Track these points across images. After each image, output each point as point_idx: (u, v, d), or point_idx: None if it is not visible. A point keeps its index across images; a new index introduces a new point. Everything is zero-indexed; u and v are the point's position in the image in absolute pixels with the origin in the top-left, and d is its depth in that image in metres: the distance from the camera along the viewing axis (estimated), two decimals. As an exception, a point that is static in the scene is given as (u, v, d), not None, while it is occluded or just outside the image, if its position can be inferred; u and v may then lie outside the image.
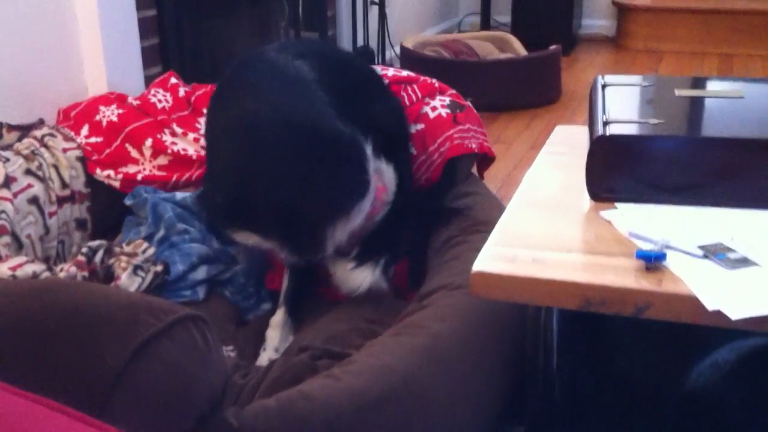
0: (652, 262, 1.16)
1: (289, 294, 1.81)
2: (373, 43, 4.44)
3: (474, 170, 2.26)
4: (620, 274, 1.15)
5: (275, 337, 1.77)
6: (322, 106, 1.67)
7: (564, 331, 1.40)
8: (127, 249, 1.80)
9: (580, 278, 1.14)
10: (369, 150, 1.68)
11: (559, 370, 1.40)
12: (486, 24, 5.74)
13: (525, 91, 4.29)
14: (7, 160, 1.92)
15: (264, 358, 1.75)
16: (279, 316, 1.78)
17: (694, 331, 1.25)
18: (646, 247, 1.21)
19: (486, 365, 1.44)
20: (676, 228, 1.27)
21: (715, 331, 1.13)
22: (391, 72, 2.35)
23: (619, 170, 1.39)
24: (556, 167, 1.58)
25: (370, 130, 1.72)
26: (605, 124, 1.42)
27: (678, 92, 1.65)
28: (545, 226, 1.31)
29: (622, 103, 1.61)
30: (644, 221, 1.30)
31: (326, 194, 1.61)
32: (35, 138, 2.05)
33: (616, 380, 1.62)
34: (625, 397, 1.59)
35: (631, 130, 1.42)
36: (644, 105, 1.66)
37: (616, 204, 1.37)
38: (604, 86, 1.68)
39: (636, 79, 1.79)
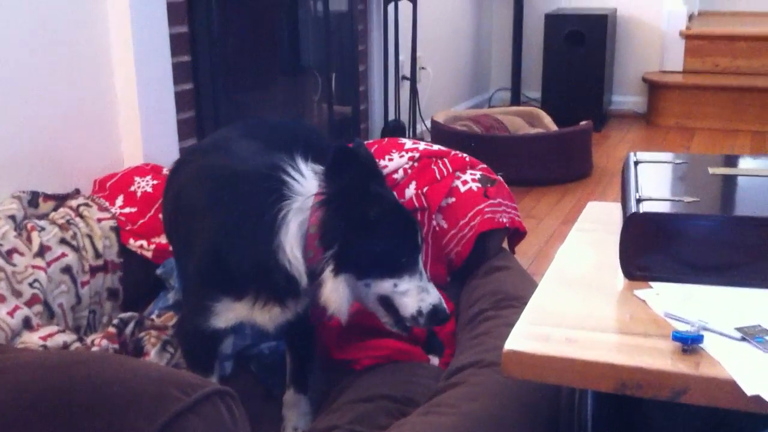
0: (689, 344, 1.14)
1: (293, 368, 1.78)
2: (404, 117, 4.49)
3: (505, 245, 2.25)
4: (656, 357, 1.12)
5: (291, 417, 1.75)
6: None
7: (597, 413, 1.37)
8: (158, 322, 1.80)
9: (616, 360, 1.12)
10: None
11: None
12: (516, 99, 5.78)
13: (556, 166, 4.29)
14: (43, 229, 1.95)
15: (284, 436, 1.73)
16: (289, 396, 1.76)
17: (731, 415, 1.21)
18: (682, 328, 1.18)
19: (518, 447, 1.41)
20: (713, 309, 1.24)
21: (753, 416, 1.10)
22: (422, 146, 2.37)
23: (653, 249, 1.37)
24: (588, 244, 1.56)
25: None
26: (638, 201, 1.42)
27: (711, 170, 1.64)
28: (579, 304, 1.29)
29: (655, 181, 1.60)
30: (680, 301, 1.27)
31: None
32: (71, 208, 2.08)
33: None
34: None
35: (664, 208, 1.41)
36: (677, 183, 1.65)
37: (651, 283, 1.35)
38: (636, 163, 1.68)
39: (669, 156, 1.79)
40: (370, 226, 1.50)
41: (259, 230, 1.52)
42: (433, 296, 1.57)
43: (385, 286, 1.55)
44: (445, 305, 1.58)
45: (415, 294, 1.55)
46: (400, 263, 1.55)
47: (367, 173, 1.53)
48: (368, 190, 1.51)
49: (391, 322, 1.61)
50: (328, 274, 1.49)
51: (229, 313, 1.60)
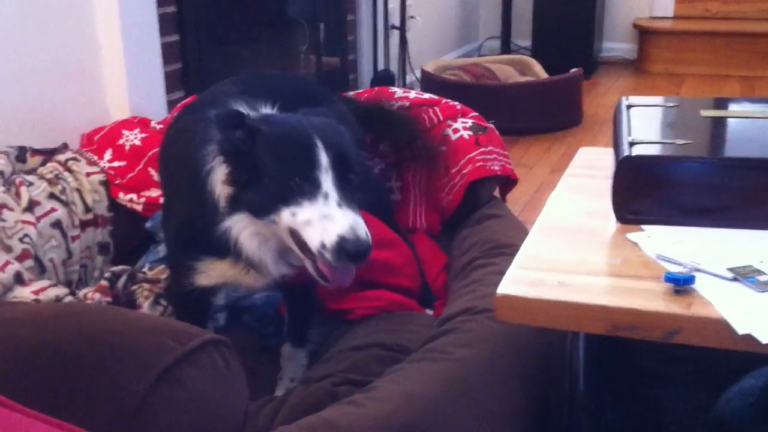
0: (681, 285, 1.14)
1: (291, 323, 1.77)
2: (394, 68, 4.45)
3: (496, 193, 2.24)
4: (648, 298, 1.13)
5: (289, 368, 1.75)
6: None
7: (589, 358, 1.38)
8: (150, 275, 1.80)
9: (607, 302, 1.12)
10: None
11: (585, 397, 1.38)
12: (506, 48, 5.74)
13: (546, 114, 4.27)
14: (31, 184, 1.93)
15: (281, 387, 1.73)
16: (286, 349, 1.76)
17: (723, 357, 1.22)
18: (674, 270, 1.19)
19: (510, 391, 1.42)
20: (705, 250, 1.25)
21: (743, 357, 1.11)
22: (412, 94, 2.35)
23: (645, 192, 1.37)
24: (579, 190, 1.56)
25: None
26: (631, 145, 1.41)
27: (703, 113, 1.63)
28: (570, 249, 1.29)
29: (647, 125, 1.60)
30: (672, 244, 1.28)
31: None
32: (59, 162, 2.06)
33: (642, 407, 1.59)
34: (652, 425, 1.56)
35: (656, 150, 1.41)
36: (669, 126, 1.64)
37: (643, 226, 1.35)
38: (628, 107, 1.67)
39: (660, 100, 1.78)
40: (250, 159, 1.41)
41: (197, 181, 1.48)
42: (339, 224, 1.32)
43: (284, 217, 1.37)
44: (361, 234, 1.32)
45: (317, 223, 1.34)
46: (291, 188, 1.36)
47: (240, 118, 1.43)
48: (242, 125, 1.41)
49: (311, 266, 1.41)
50: (225, 217, 1.44)
51: (212, 272, 1.56)
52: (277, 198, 1.37)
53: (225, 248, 1.49)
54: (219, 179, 1.45)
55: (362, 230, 1.33)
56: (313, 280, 1.67)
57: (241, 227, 1.44)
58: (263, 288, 1.62)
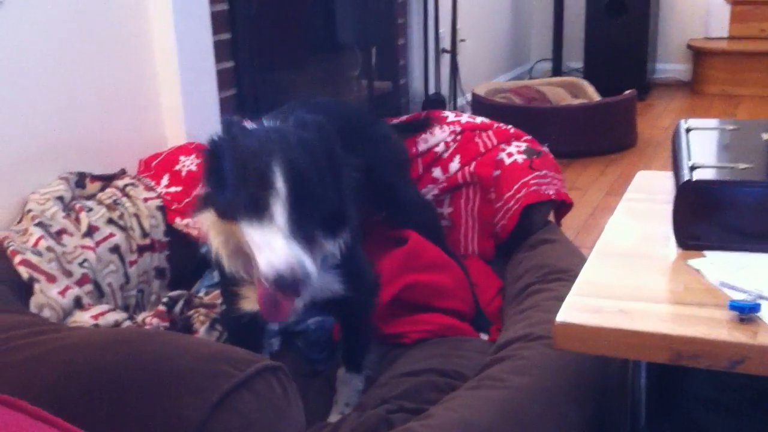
0: (746, 313, 1.11)
1: (346, 348, 1.76)
2: (445, 91, 4.46)
3: (551, 217, 2.22)
4: (713, 326, 1.10)
5: (344, 393, 1.74)
6: None
7: (650, 387, 1.35)
8: (206, 300, 1.81)
9: (670, 330, 1.10)
10: None
11: (647, 429, 1.34)
12: (558, 70, 5.70)
13: (600, 137, 4.23)
14: (90, 209, 1.97)
15: (335, 412, 1.72)
16: (341, 373, 1.76)
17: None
18: (738, 297, 1.16)
19: (567, 420, 1.39)
20: (770, 278, 1.21)
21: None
22: (464, 118, 2.35)
23: (706, 217, 1.34)
24: (638, 215, 1.53)
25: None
26: (692, 169, 1.38)
27: (765, 136, 1.59)
28: (630, 275, 1.27)
29: (707, 148, 1.57)
30: (735, 270, 1.25)
31: None
32: (117, 188, 2.09)
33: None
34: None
35: (718, 175, 1.38)
36: (730, 149, 1.61)
37: (705, 252, 1.32)
38: (688, 130, 1.64)
39: (720, 122, 1.74)
40: (221, 164, 1.43)
41: None
42: (278, 257, 1.28)
43: (244, 232, 1.35)
44: (298, 270, 1.27)
45: (262, 249, 1.30)
46: (245, 207, 1.34)
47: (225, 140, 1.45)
48: (223, 145, 1.43)
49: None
50: (196, 213, 1.47)
51: (254, 295, 1.54)
52: (236, 210, 1.36)
53: None
54: None
55: (299, 265, 1.28)
56: (364, 303, 1.69)
57: (207, 223, 1.47)
58: (304, 307, 1.60)
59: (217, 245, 1.48)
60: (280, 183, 1.33)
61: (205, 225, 1.48)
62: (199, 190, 1.49)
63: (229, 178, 1.40)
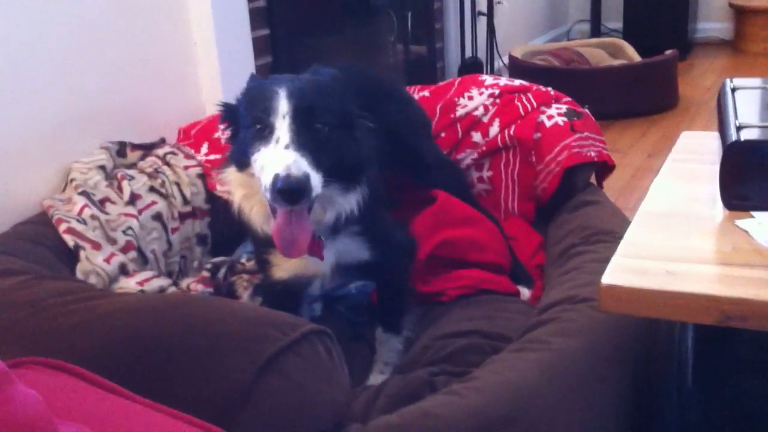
0: (797, 274, 1.09)
1: (383, 310, 1.77)
2: (481, 54, 4.41)
3: (592, 179, 2.20)
4: (761, 287, 1.08)
5: (383, 352, 1.75)
6: None
7: (697, 349, 1.33)
8: (248, 266, 1.82)
9: (719, 291, 1.08)
10: None
11: (694, 389, 1.33)
12: (596, 31, 5.61)
13: (640, 98, 4.16)
14: (132, 178, 1.99)
15: (375, 372, 1.74)
16: (379, 334, 1.76)
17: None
18: (788, 258, 1.14)
19: (613, 384, 1.39)
20: (821, 237, 1.19)
21: None
22: (503, 81, 2.32)
23: (754, 178, 1.32)
24: (683, 175, 1.51)
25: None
26: (738, 129, 1.35)
27: (814, 93, 1.55)
28: (676, 237, 1.25)
29: (754, 107, 1.53)
30: (785, 231, 1.22)
31: None
32: (157, 156, 2.11)
33: (736, 395, 1.53)
34: (744, 413, 1.50)
35: (766, 135, 1.35)
36: (778, 108, 1.57)
37: (753, 213, 1.30)
38: (733, 90, 1.60)
39: (766, 81, 1.70)
40: (240, 121, 1.47)
41: None
42: (277, 164, 1.30)
43: (255, 167, 1.39)
44: (293, 171, 1.28)
45: (267, 165, 1.33)
46: (254, 135, 1.38)
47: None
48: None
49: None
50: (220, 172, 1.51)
51: (284, 263, 1.58)
52: (247, 147, 1.40)
53: None
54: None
55: (297, 168, 1.29)
56: (396, 267, 1.68)
57: (230, 179, 1.49)
58: (333, 271, 1.62)
59: (239, 199, 1.50)
60: (284, 106, 1.37)
61: (228, 181, 1.50)
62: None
63: (241, 121, 1.44)
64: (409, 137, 2.02)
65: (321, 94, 1.44)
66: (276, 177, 1.28)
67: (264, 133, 1.36)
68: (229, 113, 1.50)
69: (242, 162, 1.44)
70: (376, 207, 1.62)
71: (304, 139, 1.35)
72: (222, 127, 1.54)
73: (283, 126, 1.35)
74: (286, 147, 1.32)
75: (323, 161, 1.36)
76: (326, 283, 1.77)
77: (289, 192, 1.28)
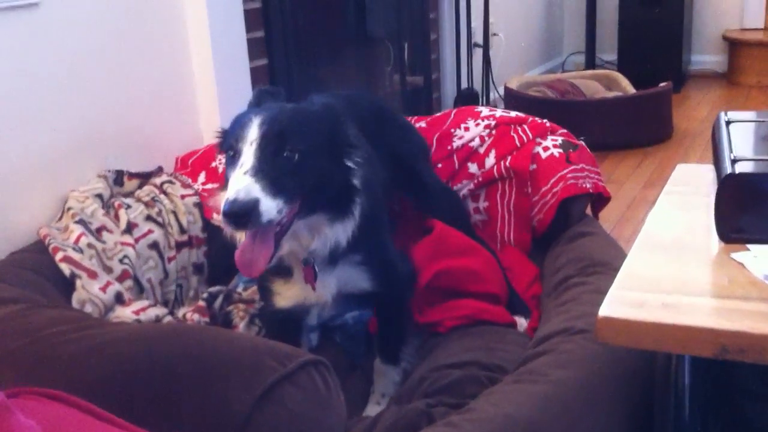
0: (793, 306, 1.09)
1: (382, 339, 1.77)
2: (477, 85, 4.44)
3: (588, 211, 2.21)
4: (758, 320, 1.08)
5: (380, 384, 1.75)
6: None
7: (694, 381, 1.33)
8: (245, 295, 1.82)
9: (716, 324, 1.08)
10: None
11: (691, 423, 1.33)
12: (591, 63, 5.66)
13: (635, 129, 4.19)
14: (129, 206, 1.99)
15: (372, 403, 1.73)
16: (377, 365, 1.76)
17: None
18: (784, 290, 1.14)
19: (611, 414, 1.39)
20: (817, 271, 1.20)
21: None
22: (498, 113, 2.34)
23: (749, 210, 1.32)
24: (679, 208, 1.52)
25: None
26: (733, 162, 1.36)
27: (808, 127, 1.57)
28: (673, 269, 1.26)
29: (749, 140, 1.55)
30: (780, 263, 1.23)
31: None
32: (155, 185, 2.12)
33: (741, 427, 1.53)
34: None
35: (761, 168, 1.35)
36: (772, 141, 1.58)
37: (748, 245, 1.31)
38: (728, 123, 1.62)
39: (760, 115, 1.72)
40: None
41: None
42: (230, 189, 1.32)
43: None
44: (239, 196, 1.29)
45: (229, 188, 1.35)
46: (229, 163, 1.42)
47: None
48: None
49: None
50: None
51: (286, 292, 1.59)
52: (227, 173, 1.42)
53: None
54: None
55: (246, 193, 1.30)
56: (397, 297, 1.69)
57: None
58: (334, 299, 1.62)
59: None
60: (253, 129, 1.39)
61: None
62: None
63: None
64: (412, 162, 2.04)
65: (296, 121, 1.45)
66: (226, 201, 1.29)
67: (235, 159, 1.38)
68: (226, 141, 1.52)
69: (227, 185, 1.44)
70: (377, 236, 1.62)
71: (267, 165, 1.35)
72: (219, 155, 1.55)
73: (248, 152, 1.37)
74: (245, 173, 1.33)
75: (289, 187, 1.36)
76: (326, 312, 1.77)
77: (233, 215, 1.28)
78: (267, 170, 1.34)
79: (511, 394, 1.35)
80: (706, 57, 5.92)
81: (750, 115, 1.71)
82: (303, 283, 1.55)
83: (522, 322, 1.90)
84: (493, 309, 1.88)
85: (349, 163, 1.50)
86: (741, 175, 1.33)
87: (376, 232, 1.60)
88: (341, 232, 1.50)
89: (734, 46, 5.67)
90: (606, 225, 2.71)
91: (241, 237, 1.45)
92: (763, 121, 1.67)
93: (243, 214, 1.28)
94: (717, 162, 1.46)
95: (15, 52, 1.87)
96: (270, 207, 1.32)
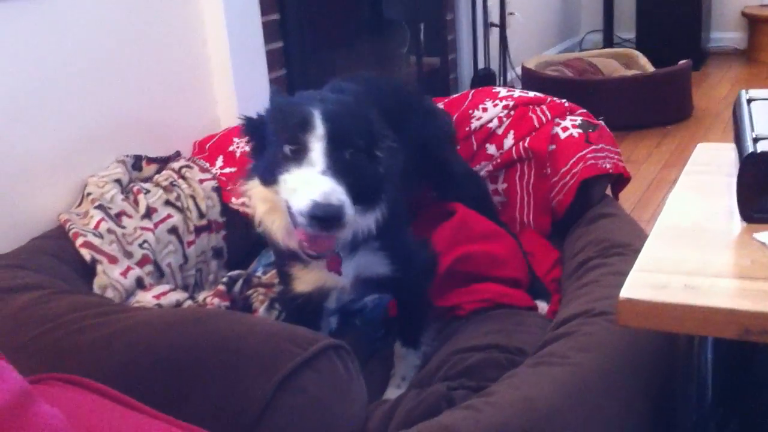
0: (817, 287, 1.08)
1: (403, 324, 1.77)
2: (494, 65, 4.41)
3: (608, 192, 2.19)
4: (782, 301, 1.07)
5: (401, 367, 1.75)
6: None
7: (717, 364, 1.33)
8: (264, 279, 1.82)
9: (739, 305, 1.07)
10: None
11: (714, 406, 1.32)
12: (609, 41, 5.60)
13: (654, 108, 4.15)
14: (148, 191, 2.00)
15: (392, 386, 1.73)
16: (397, 348, 1.76)
17: None
18: (808, 271, 1.13)
19: (632, 398, 1.38)
20: (842, 251, 1.18)
21: None
22: (517, 93, 2.32)
23: (773, 190, 1.31)
24: (701, 188, 1.50)
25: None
26: (755, 140, 1.35)
27: (831, 104, 1.54)
28: (695, 250, 1.25)
29: (771, 119, 1.52)
30: (804, 243, 1.21)
31: None
32: (173, 170, 2.12)
33: (761, 417, 1.52)
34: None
35: (784, 146, 1.34)
36: (795, 119, 1.56)
37: (771, 226, 1.29)
38: (749, 101, 1.60)
39: (783, 92, 1.69)
40: (262, 130, 1.47)
41: None
42: (314, 190, 1.30)
43: (281, 186, 1.39)
44: (333, 200, 1.29)
45: (299, 189, 1.33)
46: (285, 155, 1.37)
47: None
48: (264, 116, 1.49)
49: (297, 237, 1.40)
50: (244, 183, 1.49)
51: (305, 276, 1.58)
52: (275, 165, 1.39)
53: None
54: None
55: (336, 197, 1.29)
56: (416, 283, 1.68)
57: (252, 192, 1.48)
58: (353, 285, 1.62)
59: (262, 213, 1.49)
60: (319, 125, 1.36)
61: (251, 193, 1.49)
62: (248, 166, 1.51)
63: (270, 137, 1.43)
64: (436, 150, 2.02)
65: (353, 118, 1.44)
66: (314, 204, 1.28)
67: (297, 154, 1.36)
68: (252, 127, 1.50)
69: (268, 178, 1.43)
70: (396, 223, 1.62)
71: (339, 165, 1.35)
72: (243, 140, 1.54)
73: (317, 149, 1.35)
74: (323, 173, 1.32)
75: (352, 187, 1.36)
76: (346, 296, 1.77)
77: (327, 220, 1.28)
78: (340, 171, 1.34)
79: (531, 377, 1.35)
80: (726, 34, 5.85)
81: (771, 93, 1.68)
82: (322, 268, 1.55)
83: (543, 306, 1.90)
84: (513, 293, 1.88)
85: (380, 153, 1.50)
86: (763, 153, 1.31)
87: (395, 219, 1.60)
88: (371, 220, 1.50)
89: (754, 23, 5.59)
90: (626, 206, 2.69)
91: (275, 224, 1.46)
92: (785, 99, 1.65)
93: (336, 217, 1.28)
94: (738, 141, 1.44)
95: (34, 41, 1.87)
96: (351, 211, 1.32)
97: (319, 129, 1.36)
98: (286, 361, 1.07)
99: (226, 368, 1.07)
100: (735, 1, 5.77)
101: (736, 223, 1.33)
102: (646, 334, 1.35)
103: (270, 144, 1.43)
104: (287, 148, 1.36)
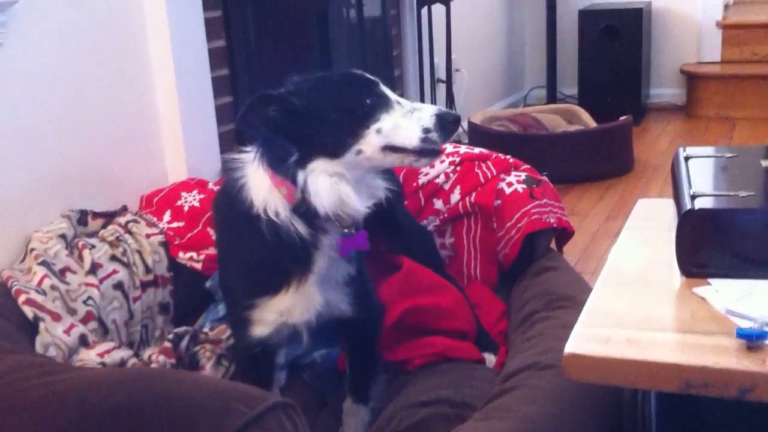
0: (754, 341, 1.11)
1: (353, 378, 1.76)
2: (441, 120, 4.47)
3: (552, 245, 2.23)
4: (721, 355, 1.10)
5: (350, 424, 1.74)
6: None
7: (661, 414, 1.35)
8: (212, 335, 1.81)
9: (680, 359, 1.10)
10: None
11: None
12: (552, 97, 5.74)
13: (597, 162, 4.25)
14: (93, 246, 1.97)
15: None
16: (348, 404, 1.75)
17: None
18: (745, 325, 1.16)
19: (579, 449, 1.39)
20: (776, 304, 1.22)
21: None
22: (462, 149, 2.36)
23: (710, 245, 1.35)
24: (641, 242, 1.54)
25: None
26: (692, 197, 1.39)
27: (763, 163, 1.61)
28: (637, 304, 1.28)
29: (708, 176, 1.58)
30: (741, 297, 1.25)
31: None
32: (119, 225, 2.10)
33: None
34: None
35: (720, 203, 1.39)
36: (730, 177, 1.62)
37: (710, 280, 1.33)
38: (687, 158, 1.65)
39: (719, 150, 1.76)
40: (303, 114, 1.47)
41: (239, 208, 1.52)
42: (428, 109, 1.48)
43: (371, 139, 1.46)
44: (448, 110, 1.50)
45: (405, 122, 1.47)
46: (366, 109, 1.47)
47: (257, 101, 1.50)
48: (270, 100, 1.49)
49: (411, 158, 1.49)
50: (299, 175, 1.46)
51: (267, 315, 1.57)
52: (354, 126, 1.46)
53: (279, 277, 1.53)
54: (261, 186, 1.49)
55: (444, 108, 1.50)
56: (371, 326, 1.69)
57: (318, 171, 1.46)
58: (318, 319, 1.61)
59: (330, 185, 1.46)
60: (384, 88, 1.51)
61: (315, 174, 1.46)
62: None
63: (331, 107, 1.47)
64: (388, 202, 2.04)
65: None
66: (439, 115, 1.46)
67: (378, 103, 1.47)
68: (278, 126, 1.48)
69: (344, 145, 1.46)
70: (360, 264, 1.65)
71: None
72: (253, 146, 1.53)
73: (391, 94, 1.50)
74: (414, 103, 1.50)
75: None
76: (305, 338, 1.75)
77: (456, 120, 1.48)
78: None
79: (479, 431, 1.35)
80: (665, 90, 6.04)
81: (708, 150, 1.74)
82: (296, 295, 1.55)
83: (491, 359, 1.91)
84: (461, 346, 1.89)
85: None
86: (700, 210, 1.36)
87: (360, 260, 1.62)
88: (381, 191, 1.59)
89: (692, 79, 5.79)
90: (570, 258, 2.74)
91: (344, 191, 1.48)
92: (720, 156, 1.71)
93: (457, 119, 1.48)
94: (677, 197, 1.49)
95: (-23, 93, 1.85)
96: None
97: (388, 91, 1.51)
98: (234, 420, 1.06)
99: (173, 428, 1.05)
100: (673, 58, 5.97)
101: (677, 277, 1.36)
102: (592, 385, 1.37)
103: (332, 114, 1.47)
104: (367, 102, 1.46)
